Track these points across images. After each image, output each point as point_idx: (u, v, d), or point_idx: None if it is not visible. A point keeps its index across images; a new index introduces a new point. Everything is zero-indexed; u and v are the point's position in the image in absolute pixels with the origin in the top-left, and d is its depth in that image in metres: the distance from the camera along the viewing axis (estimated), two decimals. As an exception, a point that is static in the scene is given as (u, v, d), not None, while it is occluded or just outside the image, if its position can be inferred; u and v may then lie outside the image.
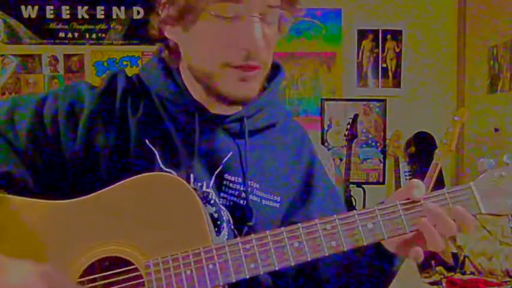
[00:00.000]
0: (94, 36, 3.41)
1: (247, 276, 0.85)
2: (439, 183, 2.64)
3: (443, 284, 2.38)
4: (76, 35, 3.40)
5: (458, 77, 3.44)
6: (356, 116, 3.28)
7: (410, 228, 0.86)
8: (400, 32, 3.45)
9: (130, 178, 0.90)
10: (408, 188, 0.88)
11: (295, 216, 1.03)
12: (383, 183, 3.50)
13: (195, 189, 0.95)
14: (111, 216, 0.89)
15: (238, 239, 0.87)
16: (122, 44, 3.43)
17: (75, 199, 0.90)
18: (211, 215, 0.96)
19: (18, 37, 3.38)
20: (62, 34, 3.39)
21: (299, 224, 0.86)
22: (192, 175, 0.97)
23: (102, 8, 3.39)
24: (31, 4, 3.36)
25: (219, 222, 0.97)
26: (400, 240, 0.89)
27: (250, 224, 0.99)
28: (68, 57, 3.41)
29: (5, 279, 0.78)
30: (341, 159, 3.38)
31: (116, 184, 0.90)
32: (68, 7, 3.37)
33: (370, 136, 3.49)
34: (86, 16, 3.39)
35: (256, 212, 1.00)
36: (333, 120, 3.48)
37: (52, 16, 3.37)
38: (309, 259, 0.85)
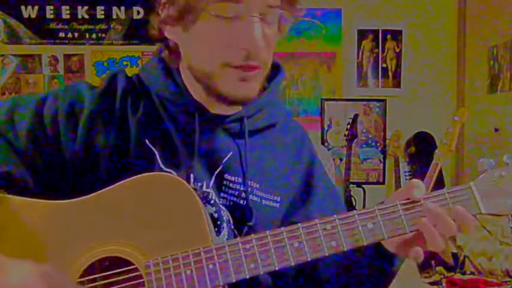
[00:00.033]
0: (94, 36, 3.41)
1: (247, 276, 0.85)
2: (439, 183, 2.64)
3: (443, 284, 2.38)
4: (76, 35, 3.40)
5: (458, 77, 3.44)
6: (356, 116, 3.28)
7: (410, 228, 0.86)
8: (400, 32, 3.45)
9: (130, 178, 0.90)
10: (408, 188, 0.88)
11: (295, 216, 1.03)
12: (383, 183, 3.50)
13: (195, 189, 0.95)
14: (111, 216, 0.89)
15: (238, 239, 0.87)
16: (122, 44, 3.43)
17: (75, 199, 0.90)
18: (211, 215, 0.96)
19: (18, 37, 3.38)
20: (62, 34, 3.39)
21: (299, 224, 0.86)
22: (192, 175, 0.97)
23: (102, 8, 3.39)
24: (31, 4, 3.36)
25: (219, 222, 0.97)
26: (400, 240, 0.89)
27: (250, 224, 0.99)
28: (68, 57, 3.42)
29: (5, 279, 0.78)
30: (341, 159, 3.38)
31: (116, 184, 0.90)
32: (68, 7, 3.37)
33: (370, 136, 3.49)
34: (86, 16, 3.39)
35: (256, 212, 1.00)
36: (333, 120, 3.48)
37: (52, 16, 3.37)
38: (309, 259, 0.85)
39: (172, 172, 0.96)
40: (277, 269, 0.85)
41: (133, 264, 0.87)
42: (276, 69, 1.05)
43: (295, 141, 1.10)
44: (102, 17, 3.40)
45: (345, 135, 3.27)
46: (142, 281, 0.86)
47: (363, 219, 0.86)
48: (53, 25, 3.38)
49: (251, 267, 0.85)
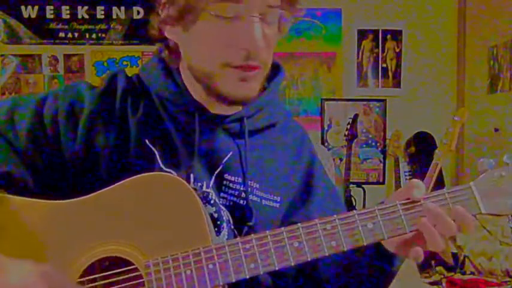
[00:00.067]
0: (94, 36, 3.41)
1: (247, 276, 0.85)
2: (439, 183, 2.64)
3: (443, 284, 2.38)
4: (76, 35, 3.40)
5: (458, 77, 3.44)
6: (356, 116, 3.28)
7: (410, 228, 0.86)
8: (400, 32, 3.45)
9: (130, 178, 0.90)
10: (408, 188, 0.88)
11: (295, 216, 1.03)
12: (383, 183, 3.50)
13: (195, 189, 0.95)
14: (111, 216, 0.89)
15: (238, 239, 0.87)
16: (122, 44, 3.43)
17: (75, 199, 0.90)
18: (211, 215, 0.96)
19: (18, 37, 3.38)
20: (62, 34, 3.39)
21: (299, 224, 0.86)
22: (192, 175, 0.97)
23: (102, 8, 3.39)
24: (31, 4, 3.36)
25: (219, 222, 0.97)
26: (400, 240, 0.89)
27: (250, 224, 0.99)
28: (68, 57, 3.41)
29: (5, 279, 0.78)
30: (341, 159, 3.38)
31: (116, 184, 0.90)
32: (68, 7, 3.37)
33: (370, 136, 3.49)
34: (86, 16, 3.39)
35: (256, 212, 1.00)
36: (333, 120, 3.48)
37: (52, 16, 3.37)
38: (309, 259, 0.85)
39: (172, 172, 0.96)
40: (277, 269, 0.85)
41: (133, 264, 0.87)
42: (276, 69, 1.05)
43: (295, 141, 1.10)
44: (102, 17, 3.40)
45: (345, 135, 3.27)
46: (142, 281, 0.86)
47: (363, 219, 0.86)
48: (53, 25, 3.38)
49: (251, 267, 0.85)
